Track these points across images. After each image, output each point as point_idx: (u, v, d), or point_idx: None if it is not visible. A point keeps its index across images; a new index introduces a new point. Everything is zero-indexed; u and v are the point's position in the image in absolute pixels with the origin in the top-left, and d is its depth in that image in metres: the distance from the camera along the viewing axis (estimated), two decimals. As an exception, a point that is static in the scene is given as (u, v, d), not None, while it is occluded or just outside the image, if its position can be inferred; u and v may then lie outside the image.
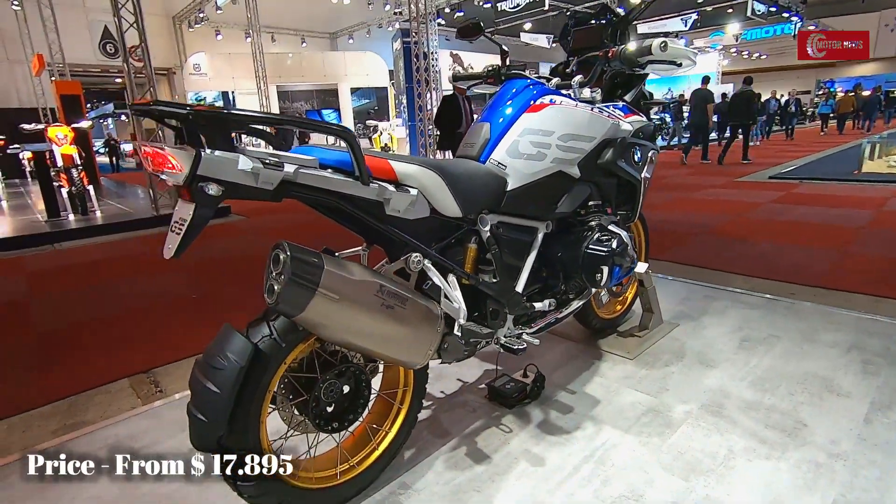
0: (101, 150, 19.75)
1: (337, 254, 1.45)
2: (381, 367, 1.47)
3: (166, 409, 1.96)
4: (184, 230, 0.98)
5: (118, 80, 20.28)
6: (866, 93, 18.37)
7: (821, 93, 29.22)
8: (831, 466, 1.44)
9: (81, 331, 2.95)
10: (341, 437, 1.39)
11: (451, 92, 6.42)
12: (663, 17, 19.82)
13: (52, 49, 12.07)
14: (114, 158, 18.28)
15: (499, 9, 17.00)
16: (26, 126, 6.69)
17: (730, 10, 20.40)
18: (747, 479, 1.41)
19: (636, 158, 1.78)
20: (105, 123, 35.76)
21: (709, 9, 20.08)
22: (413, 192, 1.24)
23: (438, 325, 1.29)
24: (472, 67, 22.22)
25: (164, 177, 0.98)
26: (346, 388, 1.31)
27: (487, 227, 1.51)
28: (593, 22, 1.88)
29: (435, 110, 10.97)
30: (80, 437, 1.79)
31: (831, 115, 17.97)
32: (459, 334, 1.37)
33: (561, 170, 1.63)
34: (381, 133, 11.02)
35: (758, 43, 25.63)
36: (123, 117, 30.82)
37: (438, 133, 6.52)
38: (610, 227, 1.67)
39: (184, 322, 3.00)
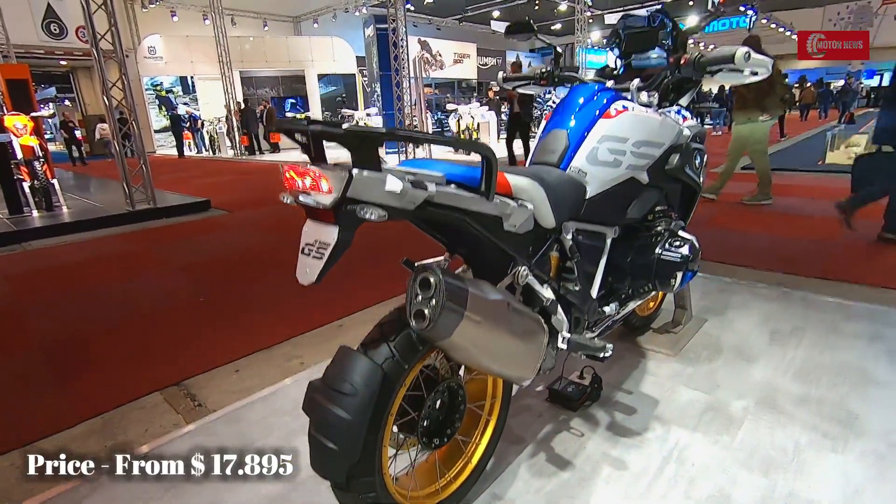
0: (52, 135, 17.15)
1: (417, 263, 1.43)
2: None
3: (218, 425, 1.87)
4: (326, 255, 0.93)
5: (63, 63, 18.93)
6: (809, 84, 20.16)
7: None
8: (894, 456, 1.53)
9: (90, 341, 2.77)
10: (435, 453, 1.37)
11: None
12: (628, 8, 20.18)
13: (-8, 29, 11.12)
14: (72, 147, 14.91)
15: (470, -5, 16.83)
16: (-21, 114, 6.15)
17: (691, 3, 21.05)
18: (822, 472, 1.49)
19: (697, 164, 1.82)
20: (46, 108, 33.37)
21: (670, 1, 20.68)
22: (529, 206, 1.22)
23: (545, 338, 1.28)
24: (440, 54, 22.02)
25: (304, 198, 0.93)
26: (444, 402, 1.30)
27: (570, 235, 1.50)
28: (647, 27, 1.89)
29: (411, 98, 10.85)
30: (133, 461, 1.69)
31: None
32: (565, 346, 1.37)
33: (633, 176, 1.64)
34: (357, 123, 10.77)
35: (716, 35, 26.56)
36: (67, 101, 28.84)
37: None
38: (680, 233, 1.70)
39: (200, 328, 2.87)
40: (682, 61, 1.64)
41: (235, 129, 15.99)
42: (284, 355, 2.45)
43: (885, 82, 30.33)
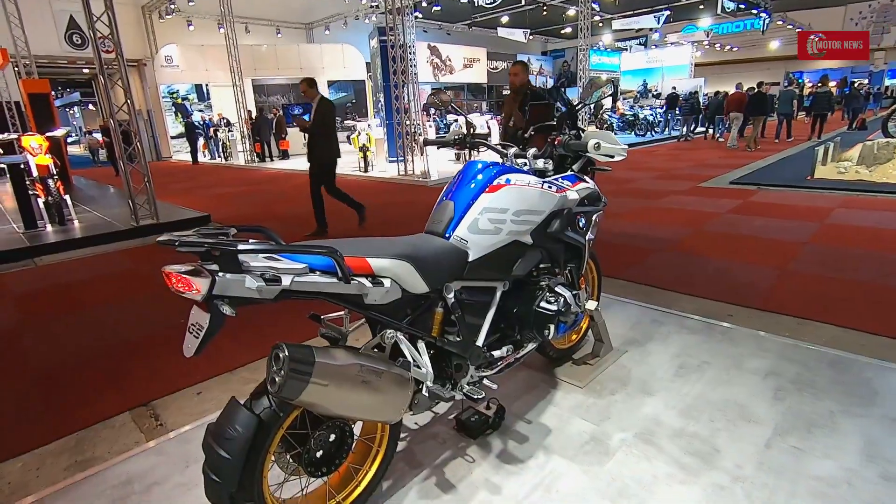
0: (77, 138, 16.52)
1: (323, 316, 1.71)
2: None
3: (170, 444, 2.18)
4: (202, 335, 1.22)
5: (85, 71, 19.75)
6: (832, 83, 19.48)
7: (791, 86, 30.17)
8: (732, 489, 1.76)
9: (79, 362, 3.11)
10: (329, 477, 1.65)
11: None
12: (637, 13, 20.16)
13: (17, 45, 11.76)
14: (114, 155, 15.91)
15: (476, 3, 17.05)
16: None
17: (701, 7, 20.89)
18: (663, 501, 1.72)
19: (580, 225, 2.06)
20: (71, 112, 34.83)
21: (683, 2, 20.54)
22: (387, 282, 1.49)
23: (409, 388, 1.55)
24: (450, 59, 22.30)
25: (184, 295, 1.22)
26: (332, 437, 1.58)
27: (452, 294, 1.77)
28: (545, 101, 2.15)
29: (418, 107, 11.16)
30: (91, 476, 2.01)
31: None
32: (427, 394, 1.64)
33: (516, 239, 1.90)
34: (360, 133, 11.13)
35: (729, 36, 26.27)
36: (91, 106, 30.05)
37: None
38: (557, 289, 1.95)
39: (175, 351, 3.18)
40: (556, 141, 1.89)
41: (246, 137, 16.53)
42: (243, 379, 2.75)
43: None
